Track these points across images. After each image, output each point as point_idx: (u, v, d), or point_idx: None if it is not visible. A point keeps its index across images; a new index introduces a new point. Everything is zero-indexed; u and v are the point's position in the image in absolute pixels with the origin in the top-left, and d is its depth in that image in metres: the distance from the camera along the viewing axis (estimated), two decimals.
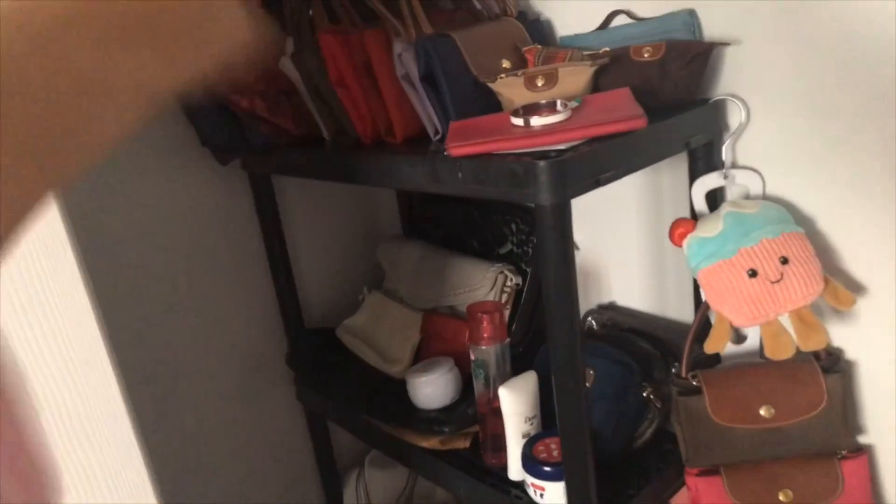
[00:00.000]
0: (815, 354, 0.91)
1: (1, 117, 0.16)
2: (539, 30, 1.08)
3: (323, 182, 1.28)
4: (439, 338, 1.16)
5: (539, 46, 0.97)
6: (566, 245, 0.77)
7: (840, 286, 0.86)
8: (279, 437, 1.38)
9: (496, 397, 0.96)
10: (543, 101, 0.86)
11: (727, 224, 0.88)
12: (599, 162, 0.78)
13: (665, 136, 0.87)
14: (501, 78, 0.91)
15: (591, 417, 0.94)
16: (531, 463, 0.92)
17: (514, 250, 1.17)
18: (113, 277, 1.12)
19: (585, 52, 0.94)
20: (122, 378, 0.65)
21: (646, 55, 0.89)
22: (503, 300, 1.11)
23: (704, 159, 0.95)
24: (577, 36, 1.03)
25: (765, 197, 0.94)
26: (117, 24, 0.17)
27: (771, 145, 0.92)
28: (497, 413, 0.97)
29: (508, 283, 1.11)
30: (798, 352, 0.87)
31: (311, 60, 1.00)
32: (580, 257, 1.22)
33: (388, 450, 1.19)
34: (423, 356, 1.16)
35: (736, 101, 0.93)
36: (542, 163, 0.73)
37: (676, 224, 0.92)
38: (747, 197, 0.95)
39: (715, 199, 0.96)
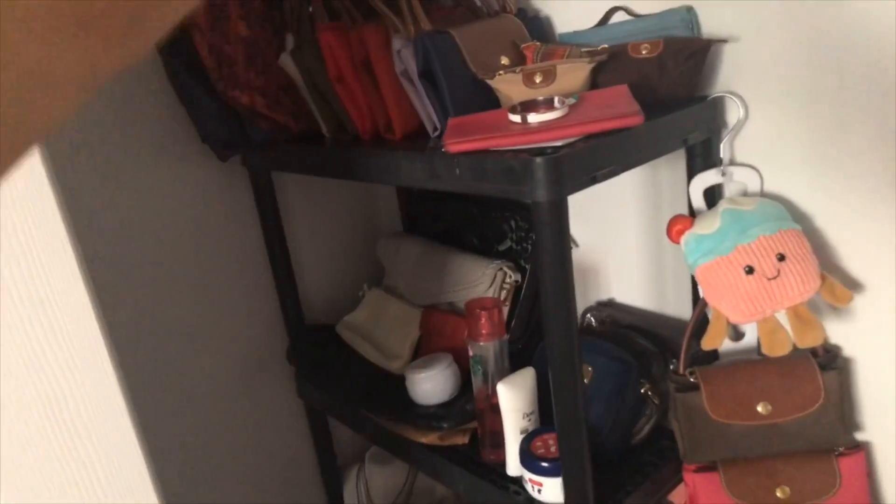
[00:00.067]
0: (813, 351, 0.91)
1: None
2: (538, 26, 1.08)
3: (323, 178, 1.28)
4: (439, 334, 1.16)
5: (538, 43, 0.97)
6: (563, 241, 0.77)
7: (837, 283, 0.86)
8: (279, 432, 1.39)
9: (494, 393, 0.96)
10: (541, 98, 0.86)
11: (724, 221, 0.88)
12: (596, 159, 0.78)
13: (663, 132, 0.87)
14: (500, 75, 0.91)
15: (589, 414, 0.94)
16: (529, 459, 0.92)
17: (514, 247, 1.18)
18: (113, 274, 1.13)
19: (584, 49, 0.94)
20: (123, 374, 0.66)
21: (644, 52, 0.89)
22: (502, 297, 1.12)
23: (702, 156, 0.96)
24: (576, 33, 1.04)
25: (762, 194, 0.94)
26: (67, 15, 0.17)
27: (769, 142, 0.92)
28: (495, 409, 0.97)
29: (507, 280, 1.12)
30: (796, 349, 0.87)
31: (310, 57, 1.01)
32: (579, 254, 1.23)
33: (387, 445, 1.19)
34: (422, 352, 1.16)
35: (734, 98, 0.93)
36: (538, 159, 0.73)
37: (674, 221, 0.93)
38: (745, 194, 0.95)
39: (713, 195, 0.97)
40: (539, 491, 0.92)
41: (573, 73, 0.89)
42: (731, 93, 0.93)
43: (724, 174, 0.95)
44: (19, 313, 0.60)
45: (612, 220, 1.17)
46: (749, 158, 0.95)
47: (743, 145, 0.95)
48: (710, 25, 0.93)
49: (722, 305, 0.88)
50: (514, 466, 0.97)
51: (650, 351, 1.01)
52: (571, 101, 0.84)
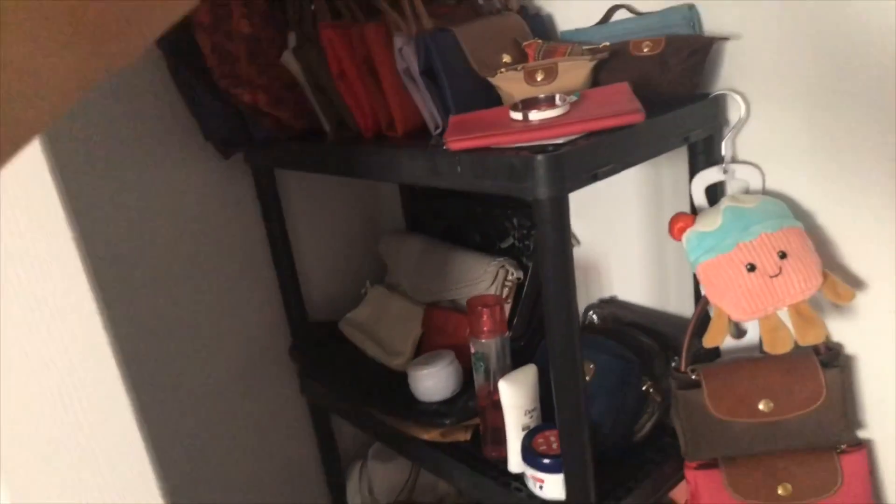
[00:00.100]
0: (815, 349, 0.91)
1: None
2: (540, 24, 1.08)
3: (325, 176, 1.28)
4: (441, 331, 1.16)
5: (539, 41, 0.97)
6: (564, 239, 0.77)
7: (839, 281, 0.86)
8: (282, 429, 1.39)
9: (496, 390, 0.97)
10: (542, 96, 0.86)
11: (726, 218, 0.88)
12: (597, 156, 0.78)
13: (664, 130, 0.87)
14: (501, 72, 0.91)
15: (591, 411, 0.94)
16: (531, 455, 0.92)
17: (516, 245, 1.18)
18: (116, 272, 1.13)
19: (585, 47, 0.94)
20: (126, 371, 0.66)
21: (645, 50, 0.89)
22: (504, 294, 1.12)
23: (704, 154, 0.96)
24: (577, 30, 1.04)
25: (764, 192, 0.94)
26: (62, 16, 0.17)
27: (771, 140, 0.92)
28: (497, 406, 0.97)
29: (510, 278, 1.12)
30: (797, 346, 0.87)
31: (312, 54, 1.01)
32: (581, 251, 1.23)
33: (389, 442, 1.19)
34: (424, 349, 1.17)
35: (736, 95, 0.92)
36: (539, 157, 0.74)
37: (676, 218, 0.93)
38: (747, 192, 0.95)
39: (715, 193, 0.97)
40: (541, 487, 0.92)
41: (574, 71, 0.89)
42: (733, 90, 0.93)
43: (725, 172, 0.95)
44: (22, 312, 0.60)
45: (614, 217, 1.17)
46: (751, 156, 0.95)
47: (745, 143, 0.95)
48: (711, 23, 0.93)
49: (724, 303, 0.88)
50: (515, 463, 0.97)
51: (652, 348, 1.01)
52: (573, 98, 0.84)
